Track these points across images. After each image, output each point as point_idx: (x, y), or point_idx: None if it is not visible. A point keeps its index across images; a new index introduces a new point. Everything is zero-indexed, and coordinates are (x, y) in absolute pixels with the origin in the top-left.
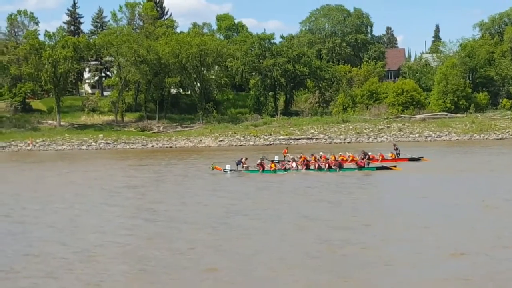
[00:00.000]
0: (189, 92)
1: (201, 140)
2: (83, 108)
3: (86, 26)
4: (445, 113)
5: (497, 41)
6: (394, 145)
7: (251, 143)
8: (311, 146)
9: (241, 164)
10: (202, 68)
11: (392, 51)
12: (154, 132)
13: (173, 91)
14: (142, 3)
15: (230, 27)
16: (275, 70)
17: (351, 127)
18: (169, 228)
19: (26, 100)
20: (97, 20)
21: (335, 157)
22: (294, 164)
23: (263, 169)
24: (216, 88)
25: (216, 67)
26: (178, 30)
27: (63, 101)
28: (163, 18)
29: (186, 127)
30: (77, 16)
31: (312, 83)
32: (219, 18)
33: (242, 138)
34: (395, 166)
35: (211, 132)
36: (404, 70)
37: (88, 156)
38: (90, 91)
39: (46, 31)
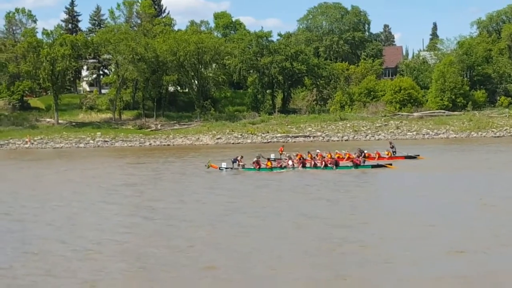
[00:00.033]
0: (186, 90)
1: (198, 138)
2: (81, 106)
3: (84, 24)
4: (443, 111)
5: (494, 38)
6: (390, 143)
7: (249, 141)
8: (308, 144)
9: (237, 162)
10: (200, 66)
11: (389, 49)
12: (152, 130)
13: (171, 89)
14: (140, 1)
15: (227, 25)
16: (272, 68)
17: (348, 125)
18: (167, 226)
19: (24, 98)
20: (95, 18)
21: (331, 155)
22: (290, 162)
23: (259, 167)
24: (213, 86)
25: (213, 65)
26: (176, 28)
27: (61, 99)
28: (160, 16)
29: (184, 125)
30: (75, 14)
31: (309, 81)
32: (217, 16)
33: (239, 136)
34: (391, 165)
35: (208, 130)
36: (402, 68)
37: (86, 154)
38: (88, 89)
39: (44, 29)
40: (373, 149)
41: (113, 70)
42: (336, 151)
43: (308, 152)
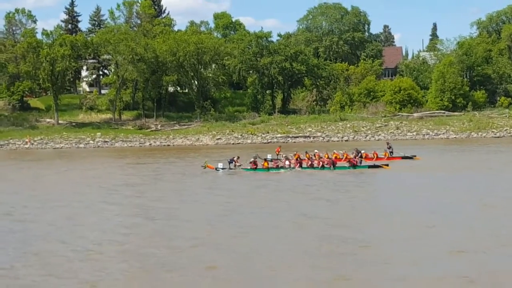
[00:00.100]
0: (186, 90)
1: (198, 138)
2: (81, 106)
3: (84, 24)
4: (443, 111)
5: (494, 39)
6: (388, 143)
7: (249, 141)
8: (308, 145)
9: (233, 162)
10: (200, 66)
11: (389, 49)
12: (152, 130)
13: (171, 89)
14: (139, 1)
15: (227, 25)
16: (272, 68)
17: (348, 125)
18: (168, 226)
19: (24, 99)
20: (95, 19)
21: (328, 155)
22: (287, 162)
23: (256, 167)
24: (213, 86)
25: (213, 65)
26: (175, 28)
27: (61, 99)
28: (160, 17)
29: (184, 125)
30: (75, 14)
31: (309, 81)
32: (217, 17)
33: (239, 136)
34: (387, 165)
35: (208, 130)
36: (402, 68)
37: (86, 154)
38: (88, 89)
39: (43, 29)
40: (372, 150)
41: (113, 70)
42: (334, 151)
43: (306, 152)
